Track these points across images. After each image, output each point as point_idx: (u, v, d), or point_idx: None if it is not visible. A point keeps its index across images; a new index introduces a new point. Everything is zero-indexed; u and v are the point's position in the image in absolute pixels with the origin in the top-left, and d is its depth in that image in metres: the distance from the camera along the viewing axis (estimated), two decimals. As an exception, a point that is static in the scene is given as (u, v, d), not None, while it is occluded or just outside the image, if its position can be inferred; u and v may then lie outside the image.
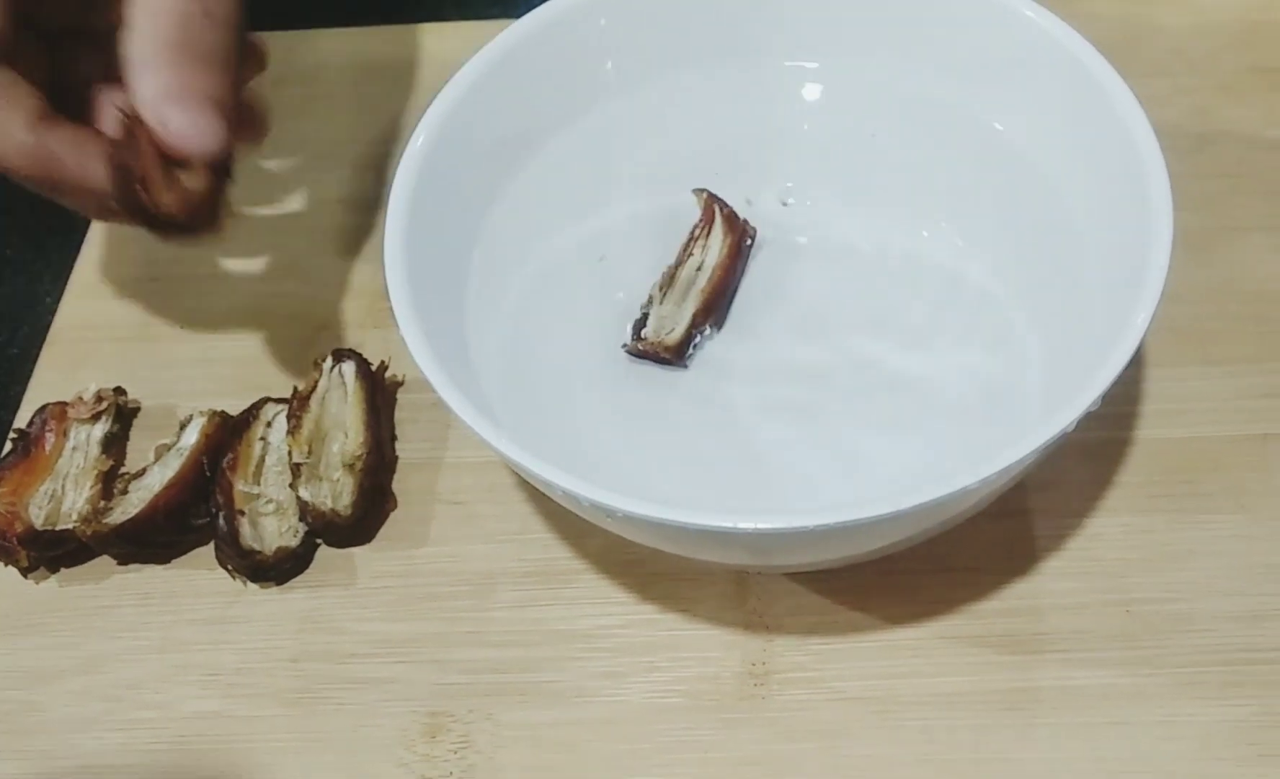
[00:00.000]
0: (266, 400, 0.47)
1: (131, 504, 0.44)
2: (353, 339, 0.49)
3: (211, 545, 0.45)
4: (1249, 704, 0.39)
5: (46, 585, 0.45)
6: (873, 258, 0.47)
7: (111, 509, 0.44)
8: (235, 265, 0.52)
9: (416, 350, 0.38)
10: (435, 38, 0.59)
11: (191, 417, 0.46)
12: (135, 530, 0.44)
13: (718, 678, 0.41)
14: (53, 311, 0.52)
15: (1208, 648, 0.40)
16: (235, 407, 0.47)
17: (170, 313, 0.51)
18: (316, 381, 0.46)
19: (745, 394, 0.45)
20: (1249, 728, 0.39)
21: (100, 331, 0.51)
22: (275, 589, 0.44)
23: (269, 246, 0.53)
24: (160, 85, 0.38)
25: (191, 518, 0.45)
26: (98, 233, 0.54)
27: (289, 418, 0.46)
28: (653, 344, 0.46)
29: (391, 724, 0.41)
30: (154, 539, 0.45)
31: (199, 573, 0.45)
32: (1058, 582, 0.42)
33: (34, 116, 0.39)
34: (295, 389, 0.46)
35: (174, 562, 0.45)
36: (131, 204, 0.39)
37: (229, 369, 0.49)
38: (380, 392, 0.47)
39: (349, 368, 0.46)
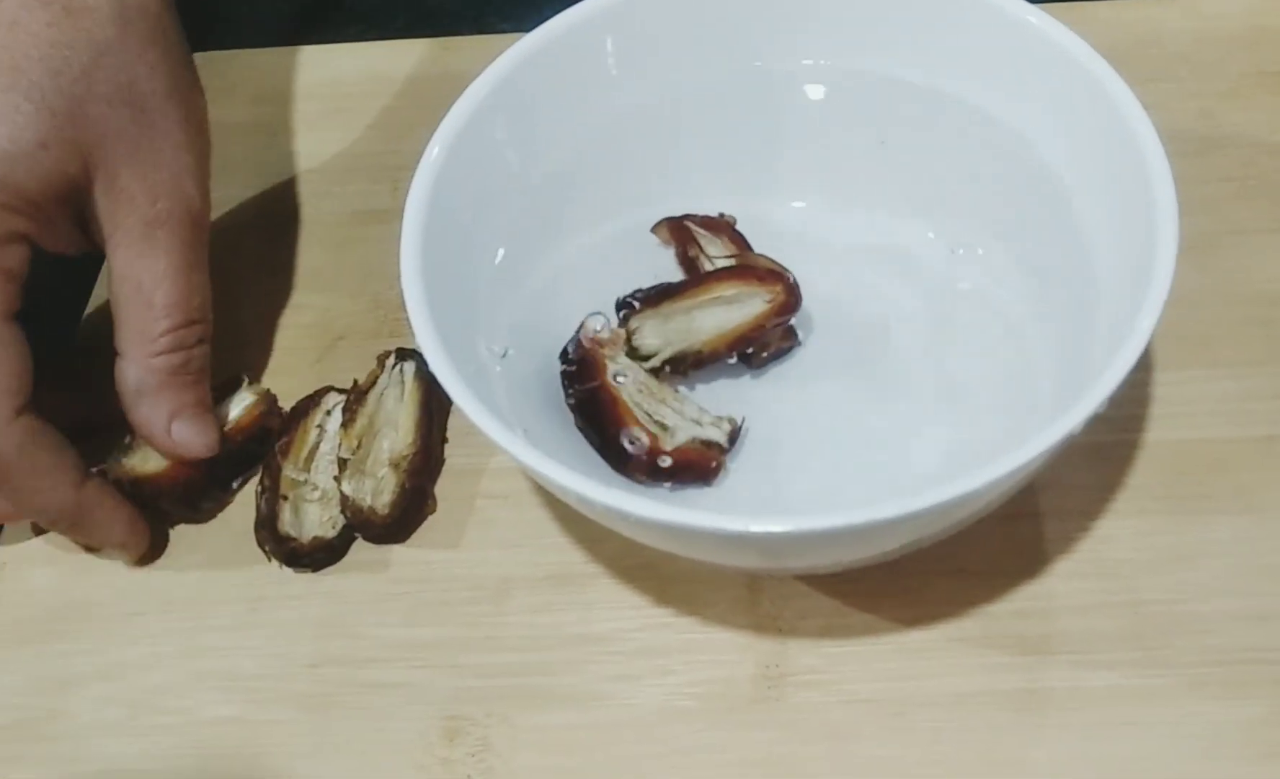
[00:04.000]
0: (330, 389, 0.48)
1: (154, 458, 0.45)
2: (371, 349, 0.50)
3: (232, 545, 0.46)
4: (1258, 704, 0.40)
5: (68, 592, 0.46)
6: (881, 260, 0.48)
7: (133, 451, 0.45)
8: (254, 277, 0.53)
9: (433, 358, 0.38)
10: (450, 52, 0.59)
11: (242, 384, 0.47)
12: (144, 489, 0.45)
13: (731, 681, 0.42)
14: (74, 325, 0.53)
15: (1216, 648, 0.41)
16: (254, 416, 0.48)
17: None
18: (377, 376, 0.47)
19: (758, 395, 0.46)
20: (1258, 727, 0.39)
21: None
22: (294, 596, 0.45)
23: (287, 258, 0.54)
24: (165, 411, 0.44)
25: (201, 500, 0.46)
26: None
27: (344, 410, 0.46)
28: None
29: (410, 728, 0.42)
30: (156, 504, 0.46)
31: (220, 578, 0.45)
32: (1067, 583, 0.42)
33: (79, 477, 0.43)
34: (355, 382, 0.47)
35: (196, 567, 0.46)
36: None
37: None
38: (436, 394, 0.47)
39: (409, 367, 0.47)
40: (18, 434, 0.42)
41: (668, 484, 0.43)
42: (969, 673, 0.41)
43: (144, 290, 0.43)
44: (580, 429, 0.44)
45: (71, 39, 0.42)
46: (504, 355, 0.44)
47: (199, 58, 0.47)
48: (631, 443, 0.43)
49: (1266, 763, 0.39)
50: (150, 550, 0.46)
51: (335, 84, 0.59)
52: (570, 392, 0.44)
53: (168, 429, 0.44)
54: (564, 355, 0.45)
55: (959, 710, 0.40)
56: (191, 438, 0.44)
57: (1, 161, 0.41)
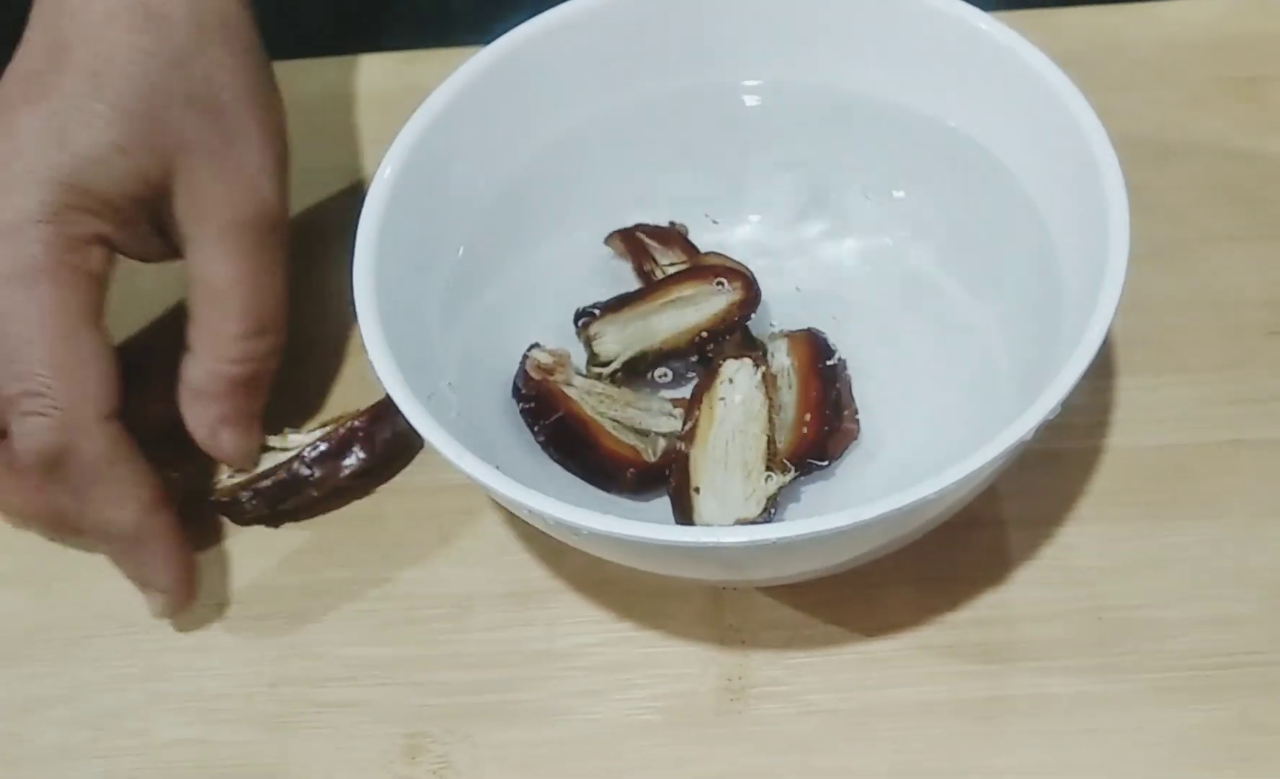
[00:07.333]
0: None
1: None
2: (334, 364, 0.50)
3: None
4: (1222, 709, 0.40)
5: (29, 615, 0.45)
6: (841, 271, 0.47)
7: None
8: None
9: (386, 377, 0.38)
10: (411, 66, 0.59)
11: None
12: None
13: (694, 694, 0.41)
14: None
15: (1180, 653, 0.41)
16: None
17: (158, 339, 0.52)
18: None
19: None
20: (1222, 732, 0.39)
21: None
22: (255, 617, 0.44)
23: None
24: (217, 413, 0.43)
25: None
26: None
27: None
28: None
29: (370, 746, 0.41)
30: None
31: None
32: (1031, 590, 0.42)
33: (153, 501, 0.42)
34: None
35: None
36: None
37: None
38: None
39: None
40: (104, 440, 0.41)
41: (663, 493, 0.43)
42: (932, 682, 0.41)
43: (219, 294, 0.43)
44: (560, 463, 0.44)
45: (150, 45, 0.42)
46: (461, 373, 0.43)
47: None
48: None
49: (1231, 769, 0.39)
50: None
51: (297, 100, 0.59)
52: (537, 429, 0.44)
53: (214, 431, 0.44)
54: (516, 392, 0.44)
55: (922, 720, 0.40)
56: (235, 445, 0.44)
57: (82, 166, 0.41)
